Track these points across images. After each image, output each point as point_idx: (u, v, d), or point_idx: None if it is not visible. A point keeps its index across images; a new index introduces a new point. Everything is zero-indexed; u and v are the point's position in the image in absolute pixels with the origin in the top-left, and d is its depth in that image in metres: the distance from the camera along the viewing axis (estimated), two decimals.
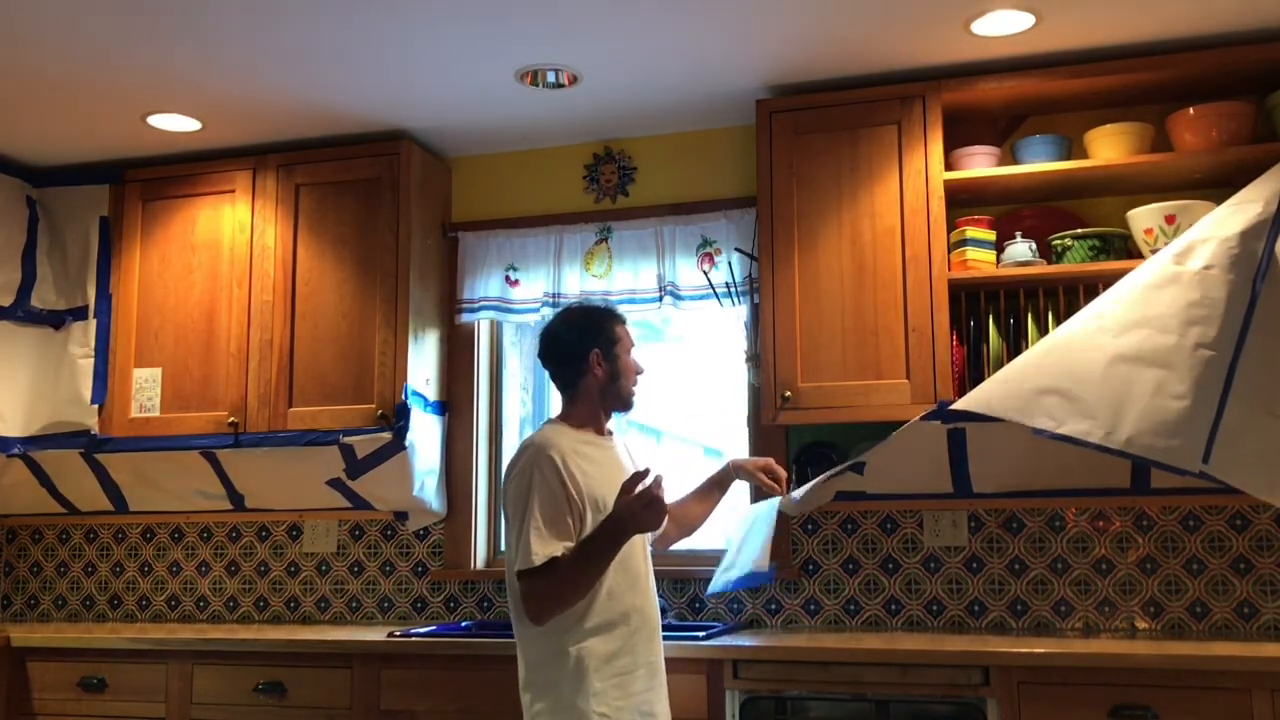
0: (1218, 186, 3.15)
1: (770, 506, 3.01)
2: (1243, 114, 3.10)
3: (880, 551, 3.48)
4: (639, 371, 2.66)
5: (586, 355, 2.58)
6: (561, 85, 3.40)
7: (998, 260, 3.26)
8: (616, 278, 3.74)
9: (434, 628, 3.55)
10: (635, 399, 2.66)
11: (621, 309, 3.67)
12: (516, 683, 2.59)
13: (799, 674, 2.91)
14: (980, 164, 3.31)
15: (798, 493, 3.05)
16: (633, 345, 2.67)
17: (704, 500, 2.94)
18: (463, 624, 3.69)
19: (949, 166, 3.29)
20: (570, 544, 2.37)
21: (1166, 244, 2.92)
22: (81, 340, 3.93)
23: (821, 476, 3.07)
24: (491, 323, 4.00)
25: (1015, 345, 3.12)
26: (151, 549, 4.22)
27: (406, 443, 3.58)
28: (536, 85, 3.39)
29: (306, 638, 3.40)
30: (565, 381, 2.62)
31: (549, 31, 3.06)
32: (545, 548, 2.35)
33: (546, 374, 4.11)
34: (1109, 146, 3.20)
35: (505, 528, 2.51)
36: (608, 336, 2.60)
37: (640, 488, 2.30)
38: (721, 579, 2.98)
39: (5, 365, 3.90)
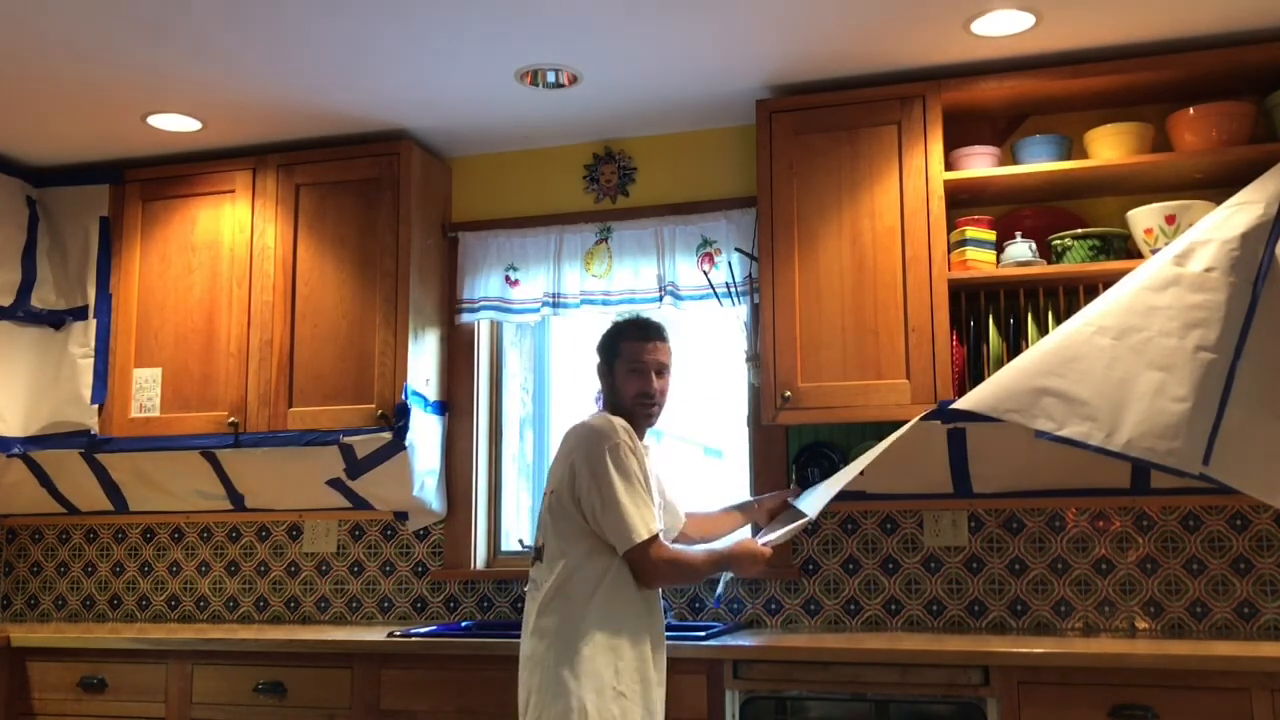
0: (1218, 186, 3.15)
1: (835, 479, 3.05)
2: (1243, 114, 3.10)
3: (880, 551, 3.49)
4: (640, 392, 2.75)
5: (599, 366, 2.83)
6: (561, 85, 3.40)
7: (998, 260, 3.25)
8: (616, 277, 3.74)
9: (434, 628, 3.55)
10: (639, 417, 2.75)
11: (624, 309, 3.72)
12: (516, 683, 2.60)
13: (799, 674, 2.91)
14: (980, 164, 3.30)
15: (807, 506, 3.03)
16: (636, 364, 2.74)
17: (729, 519, 3.19)
18: (463, 624, 3.69)
19: (949, 166, 3.29)
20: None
21: (1166, 244, 2.92)
22: (81, 340, 3.92)
23: (829, 487, 3.04)
24: (491, 323, 4.00)
25: (1015, 345, 3.12)
26: (151, 549, 4.22)
27: (406, 443, 3.57)
28: (536, 85, 3.39)
29: (306, 638, 3.40)
30: None
31: (549, 31, 3.06)
32: (653, 519, 2.61)
33: (547, 374, 4.16)
34: (1109, 146, 3.20)
35: (592, 482, 2.58)
36: (613, 351, 2.79)
37: (764, 547, 2.77)
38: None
39: (5, 365, 3.90)
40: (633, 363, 2.75)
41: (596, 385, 3.83)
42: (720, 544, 2.84)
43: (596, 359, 2.85)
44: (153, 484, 4.01)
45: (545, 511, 2.69)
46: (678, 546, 2.66)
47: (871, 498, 3.42)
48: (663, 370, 2.78)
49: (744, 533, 3.25)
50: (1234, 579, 3.21)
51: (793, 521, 2.96)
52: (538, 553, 2.70)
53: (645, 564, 2.58)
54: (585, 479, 2.58)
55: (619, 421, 2.66)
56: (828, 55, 3.22)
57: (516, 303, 3.84)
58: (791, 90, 3.44)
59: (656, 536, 2.59)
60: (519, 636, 2.65)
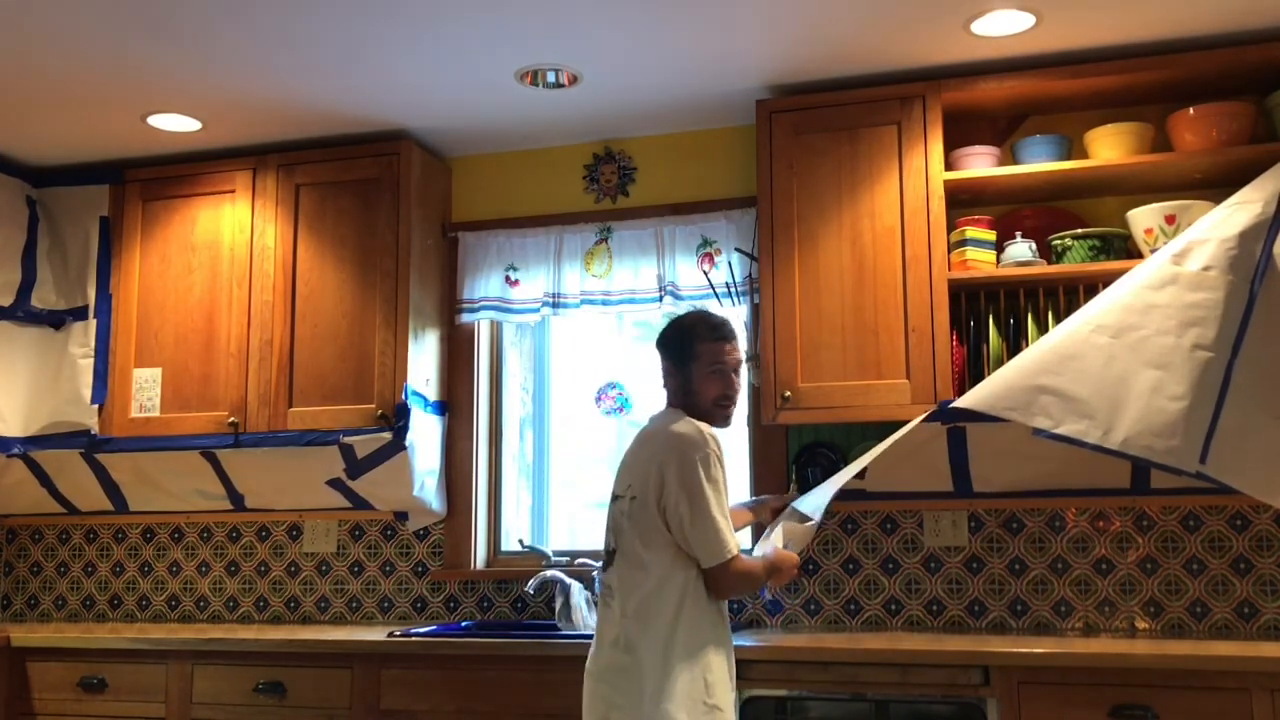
0: (1218, 186, 3.15)
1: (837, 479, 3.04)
2: (1243, 114, 3.10)
3: (880, 551, 3.48)
4: (722, 395, 2.68)
5: (663, 364, 2.74)
6: (561, 85, 3.40)
7: (998, 260, 3.25)
8: (616, 277, 3.74)
9: (434, 628, 3.55)
10: (717, 418, 2.68)
11: (624, 309, 3.70)
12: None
13: (799, 674, 2.91)
14: (980, 164, 3.31)
15: (810, 509, 3.02)
16: (718, 366, 2.67)
17: (742, 515, 3.16)
18: (463, 624, 3.69)
19: (949, 166, 3.29)
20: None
21: (1166, 244, 2.92)
22: (81, 340, 3.93)
23: (829, 488, 3.03)
24: (491, 323, 4.00)
25: (1015, 345, 3.12)
26: (151, 549, 4.22)
27: (406, 443, 3.58)
28: (536, 85, 3.39)
29: (306, 638, 3.40)
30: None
31: (549, 31, 3.06)
32: (734, 533, 2.59)
33: (547, 374, 4.14)
34: (1109, 146, 3.20)
35: (682, 493, 2.51)
36: (688, 351, 2.68)
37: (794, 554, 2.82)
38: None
39: (5, 365, 3.90)
40: (713, 364, 2.67)
41: (596, 384, 3.86)
42: (760, 551, 2.82)
43: (660, 358, 2.74)
44: (153, 484, 4.01)
45: (620, 516, 2.61)
46: (746, 558, 2.61)
47: (871, 497, 3.42)
48: (738, 368, 2.73)
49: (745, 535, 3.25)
50: (1234, 579, 3.21)
51: (795, 524, 2.96)
52: (609, 556, 2.64)
53: (726, 578, 2.54)
54: (674, 489, 2.51)
55: (707, 429, 2.58)
56: (828, 55, 3.22)
57: (516, 303, 3.84)
58: (791, 90, 3.44)
59: (739, 552, 2.56)
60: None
